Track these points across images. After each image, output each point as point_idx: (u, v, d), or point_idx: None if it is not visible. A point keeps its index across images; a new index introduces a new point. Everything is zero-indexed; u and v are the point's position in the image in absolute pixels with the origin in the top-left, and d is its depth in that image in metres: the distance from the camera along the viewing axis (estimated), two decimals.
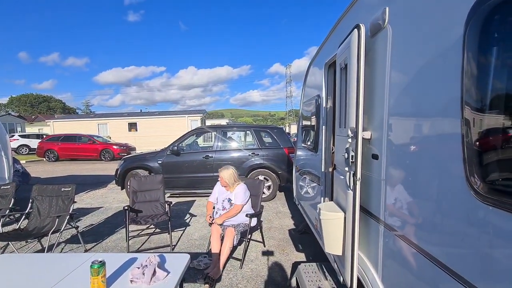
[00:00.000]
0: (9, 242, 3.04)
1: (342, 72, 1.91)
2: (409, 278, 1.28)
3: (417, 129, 1.24)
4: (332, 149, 2.66)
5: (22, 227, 3.32)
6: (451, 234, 1.01)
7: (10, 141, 18.11)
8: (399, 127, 1.39)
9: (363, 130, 1.60)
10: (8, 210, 3.41)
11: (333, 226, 1.82)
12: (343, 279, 1.89)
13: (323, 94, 2.70)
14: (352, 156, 1.60)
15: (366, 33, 1.59)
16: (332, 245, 1.86)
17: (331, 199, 2.58)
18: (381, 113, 1.51)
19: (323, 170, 2.70)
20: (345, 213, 1.76)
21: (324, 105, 2.69)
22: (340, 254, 1.85)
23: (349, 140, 1.68)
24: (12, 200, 3.63)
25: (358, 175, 1.56)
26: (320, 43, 3.03)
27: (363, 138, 1.59)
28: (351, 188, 1.63)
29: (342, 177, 1.86)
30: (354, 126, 1.58)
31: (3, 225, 3.24)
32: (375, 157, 1.57)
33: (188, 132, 6.39)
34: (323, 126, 2.70)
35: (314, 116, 3.05)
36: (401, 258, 1.33)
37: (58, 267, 1.71)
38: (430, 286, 1.13)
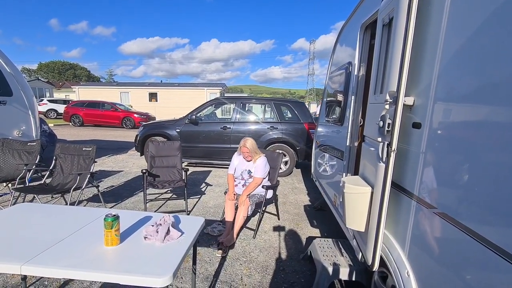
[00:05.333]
0: (35, 196, 3.18)
1: (384, 30, 1.67)
2: (444, 258, 1.14)
3: (480, 95, 1.03)
4: (360, 122, 2.46)
5: (47, 183, 3.45)
6: None
7: (40, 105, 18.82)
8: (454, 93, 1.18)
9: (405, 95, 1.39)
10: (34, 166, 3.55)
11: (358, 201, 1.68)
12: (362, 256, 1.79)
13: (356, 61, 2.44)
14: (388, 124, 1.42)
15: None
16: (355, 220, 1.74)
17: (354, 175, 2.43)
18: (429, 75, 1.29)
19: (348, 144, 2.52)
20: (372, 188, 1.61)
21: (355, 73, 2.45)
22: (363, 230, 1.73)
23: (387, 106, 1.49)
24: (38, 156, 3.77)
25: (394, 145, 1.39)
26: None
27: (404, 104, 1.39)
28: (383, 160, 1.46)
29: (372, 149, 1.69)
30: (395, 90, 1.38)
31: (30, 182, 3.38)
32: (416, 126, 1.37)
33: (207, 102, 6.28)
34: (352, 96, 2.47)
35: (343, 86, 2.81)
36: (439, 237, 1.18)
37: (77, 219, 1.73)
38: (475, 268, 0.99)
